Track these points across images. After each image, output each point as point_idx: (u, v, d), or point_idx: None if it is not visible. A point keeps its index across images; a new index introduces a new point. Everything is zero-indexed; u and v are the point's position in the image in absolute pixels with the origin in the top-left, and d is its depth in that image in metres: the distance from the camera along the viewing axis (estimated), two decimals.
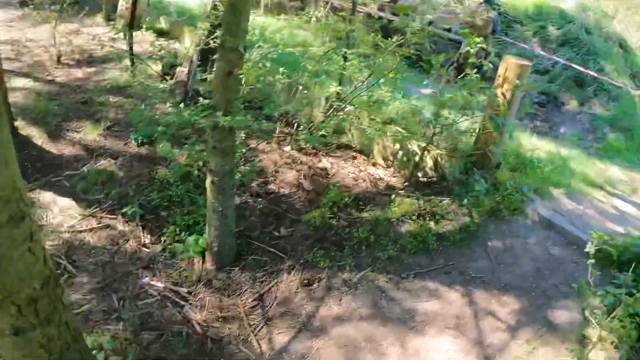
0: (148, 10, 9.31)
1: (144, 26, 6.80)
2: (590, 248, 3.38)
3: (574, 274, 4.22)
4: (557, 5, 10.88)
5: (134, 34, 6.70)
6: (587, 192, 5.78)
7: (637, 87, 9.92)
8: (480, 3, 8.96)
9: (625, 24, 15.73)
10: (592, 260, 3.27)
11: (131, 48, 6.90)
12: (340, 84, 5.40)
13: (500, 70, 4.82)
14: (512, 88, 4.71)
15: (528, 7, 11.09)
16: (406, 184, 5.19)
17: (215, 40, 4.74)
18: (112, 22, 9.06)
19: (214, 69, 3.94)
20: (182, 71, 6.48)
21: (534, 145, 6.34)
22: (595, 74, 8.87)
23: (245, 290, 4.31)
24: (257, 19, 9.48)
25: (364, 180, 5.44)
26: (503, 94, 4.77)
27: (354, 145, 5.80)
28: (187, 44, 7.57)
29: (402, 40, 4.81)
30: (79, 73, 7.42)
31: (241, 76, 3.68)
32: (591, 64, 9.23)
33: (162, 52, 5.99)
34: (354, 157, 5.72)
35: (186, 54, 6.64)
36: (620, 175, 7.09)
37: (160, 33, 8.69)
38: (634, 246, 4.28)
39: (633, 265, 3.68)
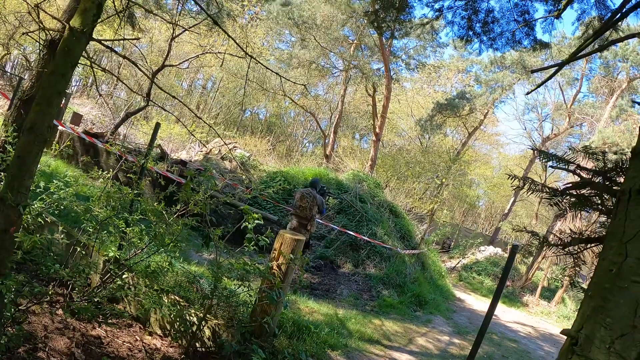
0: None
1: None
2: None
3: None
4: (335, 177, 12.42)
5: None
6: (365, 349, 6.25)
7: (405, 247, 11.53)
8: (307, 188, 8.84)
9: (395, 192, 18.85)
10: None
11: None
12: (120, 249, 5.23)
13: (276, 244, 5.14)
14: (287, 261, 5.07)
15: (308, 177, 12.16)
16: (183, 355, 5.00)
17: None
18: None
19: None
20: None
21: (312, 308, 6.76)
22: (368, 239, 10.12)
23: None
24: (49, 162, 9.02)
25: (140, 351, 5.07)
26: (278, 266, 5.10)
27: (130, 313, 5.49)
28: None
29: (183, 211, 4.97)
30: None
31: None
32: (364, 229, 10.52)
33: None
34: (130, 325, 5.37)
35: None
36: (396, 328, 7.89)
37: None
38: None
39: None
